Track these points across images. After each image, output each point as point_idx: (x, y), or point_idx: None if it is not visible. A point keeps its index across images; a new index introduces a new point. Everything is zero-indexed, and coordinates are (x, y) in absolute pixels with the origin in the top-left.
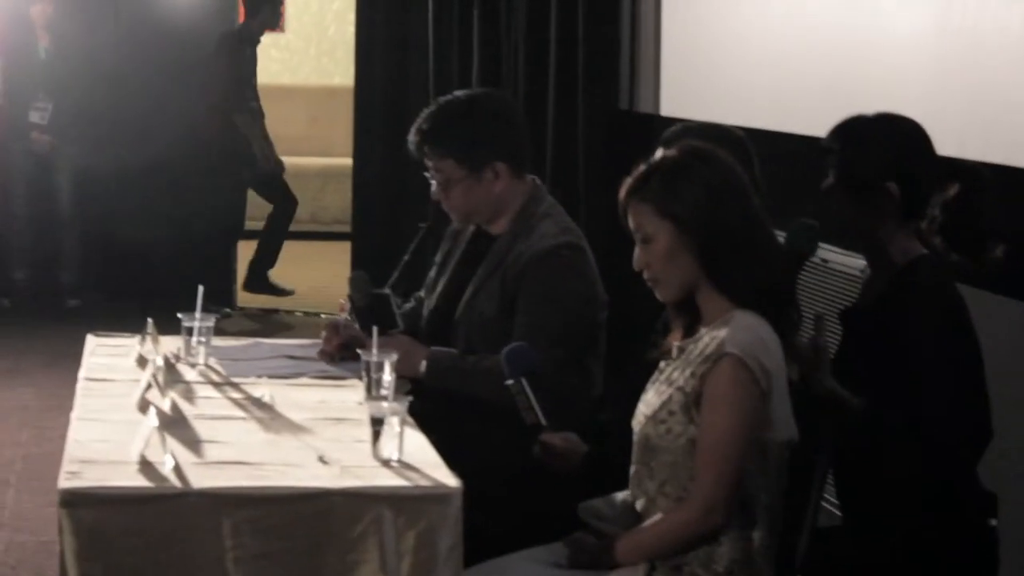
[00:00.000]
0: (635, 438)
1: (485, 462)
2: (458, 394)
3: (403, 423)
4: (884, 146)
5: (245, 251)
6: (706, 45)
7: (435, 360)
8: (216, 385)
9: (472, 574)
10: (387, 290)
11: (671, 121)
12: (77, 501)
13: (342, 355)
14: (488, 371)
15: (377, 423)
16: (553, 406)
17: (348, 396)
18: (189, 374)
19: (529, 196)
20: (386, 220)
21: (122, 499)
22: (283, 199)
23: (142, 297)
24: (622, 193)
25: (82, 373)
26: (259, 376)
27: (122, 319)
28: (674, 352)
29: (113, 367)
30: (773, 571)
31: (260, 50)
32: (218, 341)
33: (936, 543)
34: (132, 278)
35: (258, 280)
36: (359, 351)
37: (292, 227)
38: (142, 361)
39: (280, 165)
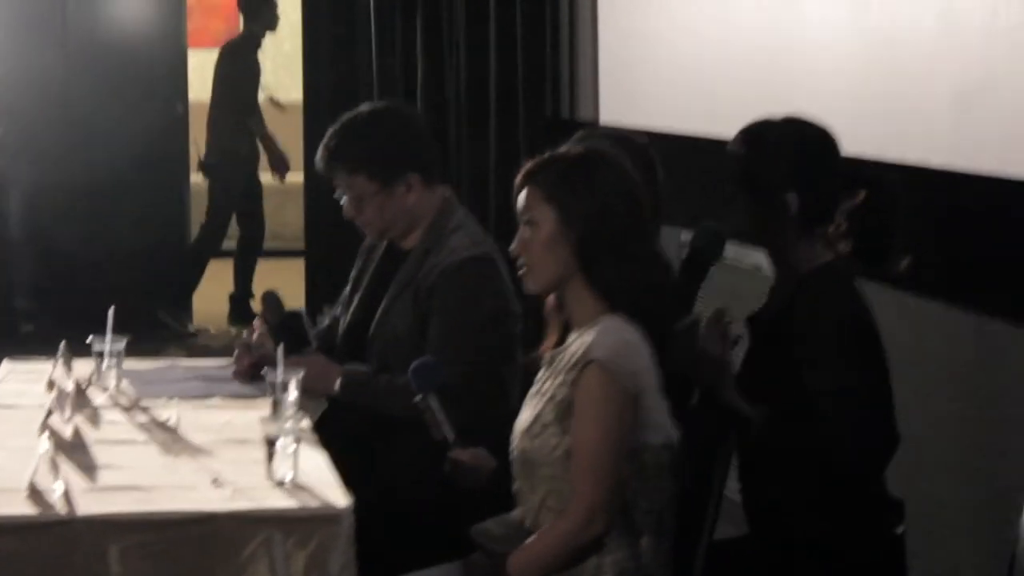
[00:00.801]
0: (513, 454)
1: (397, 480)
2: (372, 412)
3: (297, 443)
4: (785, 154)
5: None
6: (642, 52)
7: (349, 379)
8: (123, 409)
9: None
10: (299, 309)
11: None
12: None
13: (254, 374)
14: (402, 389)
15: (271, 444)
16: (465, 421)
17: (254, 417)
18: (98, 398)
19: (440, 209)
20: (340, 235)
21: (8, 527)
22: (257, 224)
23: (96, 321)
24: (520, 174)
25: None
26: (170, 398)
27: (80, 343)
28: (545, 361)
29: (23, 392)
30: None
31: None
32: (135, 364)
33: (839, 552)
34: (85, 301)
35: (243, 311)
36: (264, 370)
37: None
38: (51, 386)
39: (287, 166)
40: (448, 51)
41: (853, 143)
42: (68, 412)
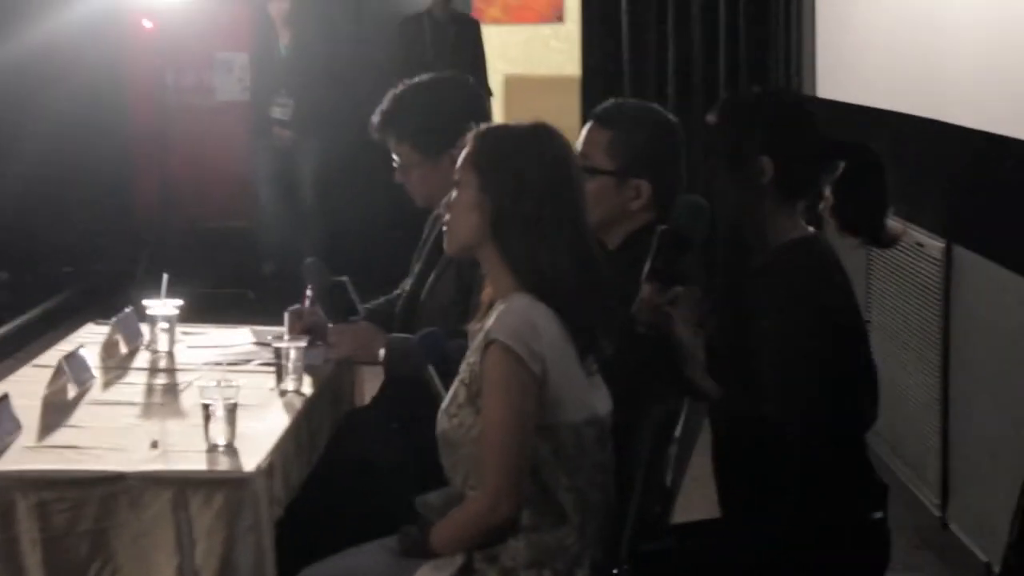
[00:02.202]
0: (437, 432)
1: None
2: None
3: (232, 409)
4: (760, 121)
5: None
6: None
7: (393, 347)
8: (153, 371)
9: (324, 563)
10: (344, 277)
11: (827, 103)
12: None
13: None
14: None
15: (206, 408)
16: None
17: (265, 383)
18: (140, 360)
19: None
20: None
21: None
22: None
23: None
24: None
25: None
26: (208, 364)
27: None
28: (471, 338)
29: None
30: (601, 555)
31: (539, 41)
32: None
33: (806, 536)
34: (371, 268)
35: None
36: (270, 339)
37: None
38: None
39: None
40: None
41: None
42: (82, 373)
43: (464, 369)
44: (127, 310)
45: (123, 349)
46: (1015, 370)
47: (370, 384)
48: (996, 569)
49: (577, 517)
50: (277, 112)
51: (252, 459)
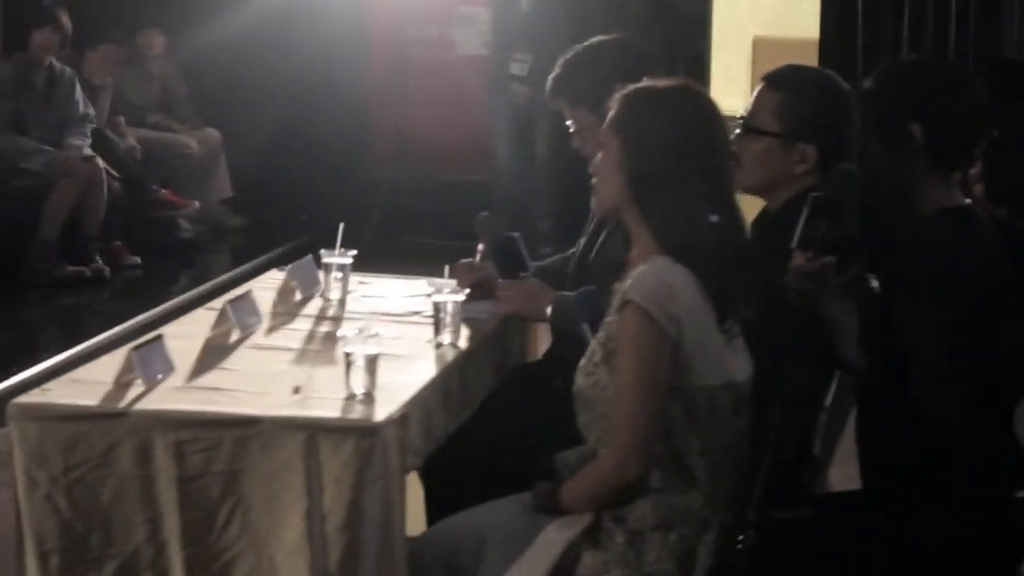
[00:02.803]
0: (573, 390)
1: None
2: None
3: (373, 358)
4: (912, 88)
5: None
6: None
7: (560, 305)
8: (319, 319)
9: (458, 516)
10: (515, 233)
11: None
12: (22, 415)
13: (475, 294)
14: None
15: (347, 356)
16: None
17: (424, 334)
18: (310, 307)
19: None
20: None
21: (63, 415)
22: None
23: None
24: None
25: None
26: (376, 313)
27: None
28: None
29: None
30: (731, 520)
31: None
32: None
33: (951, 515)
34: None
35: None
36: (430, 292)
37: None
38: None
39: None
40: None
41: None
42: (248, 318)
43: (603, 328)
44: (308, 257)
45: (297, 296)
46: None
47: (546, 341)
48: None
49: (707, 482)
50: (515, 68)
51: (385, 409)
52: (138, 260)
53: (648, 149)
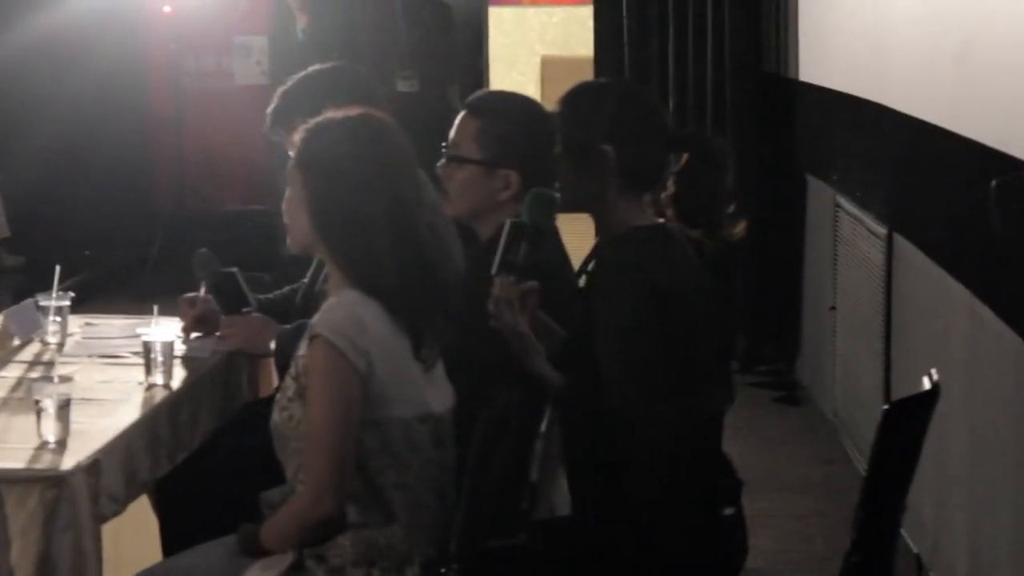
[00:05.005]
0: (270, 425)
1: None
2: None
3: (65, 404)
4: (604, 110)
5: None
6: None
7: (283, 338)
8: (33, 364)
9: (157, 565)
10: (234, 269)
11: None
12: None
13: (198, 330)
14: None
15: (37, 403)
16: None
17: (138, 376)
18: (26, 353)
19: None
20: None
21: None
22: None
23: None
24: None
25: None
26: (90, 356)
27: None
28: None
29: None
30: (434, 553)
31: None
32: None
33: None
34: None
35: None
36: (138, 331)
37: None
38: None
39: None
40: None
41: None
42: None
43: (295, 363)
44: (28, 301)
45: (16, 341)
46: (946, 362)
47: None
48: (926, 561)
49: (406, 515)
50: (403, 86)
51: (75, 456)
52: None
53: (325, 183)
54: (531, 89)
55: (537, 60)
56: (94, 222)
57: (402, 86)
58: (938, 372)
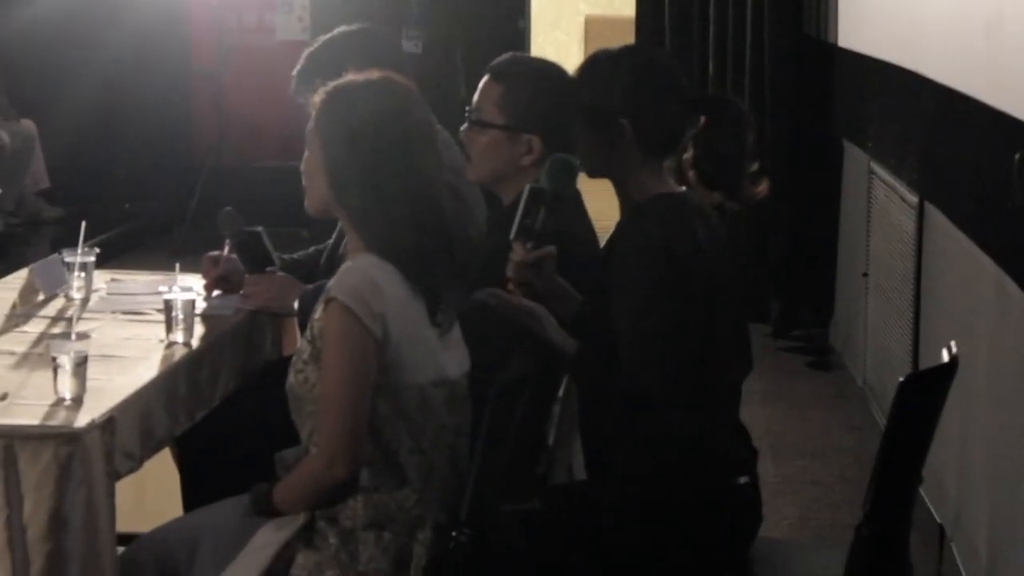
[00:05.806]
0: (285, 387)
1: None
2: None
3: (82, 361)
4: (619, 80)
5: None
6: None
7: (306, 297)
8: (56, 320)
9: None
10: (259, 228)
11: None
12: None
13: (220, 288)
14: None
15: (54, 360)
16: None
17: (158, 334)
18: (50, 308)
19: None
20: None
21: None
22: None
23: None
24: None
25: None
26: (113, 312)
27: None
28: None
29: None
30: (445, 518)
31: None
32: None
33: (663, 501)
34: None
35: None
36: (161, 289)
37: None
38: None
39: None
40: None
41: None
42: None
43: (310, 325)
44: (54, 256)
45: (40, 296)
46: (972, 333)
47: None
48: (948, 532)
49: (419, 480)
50: (408, 46)
51: (90, 414)
52: None
53: (343, 146)
54: (574, 49)
55: (581, 19)
56: (133, 175)
57: (407, 46)
58: (964, 343)
